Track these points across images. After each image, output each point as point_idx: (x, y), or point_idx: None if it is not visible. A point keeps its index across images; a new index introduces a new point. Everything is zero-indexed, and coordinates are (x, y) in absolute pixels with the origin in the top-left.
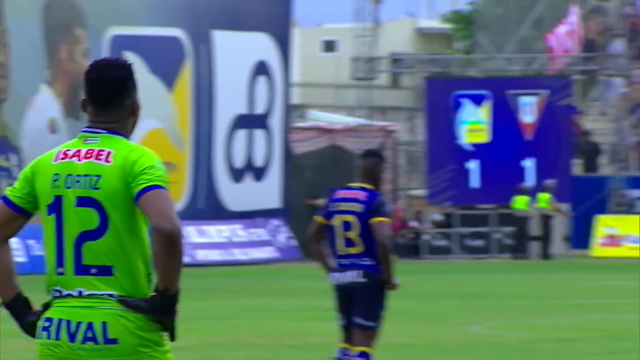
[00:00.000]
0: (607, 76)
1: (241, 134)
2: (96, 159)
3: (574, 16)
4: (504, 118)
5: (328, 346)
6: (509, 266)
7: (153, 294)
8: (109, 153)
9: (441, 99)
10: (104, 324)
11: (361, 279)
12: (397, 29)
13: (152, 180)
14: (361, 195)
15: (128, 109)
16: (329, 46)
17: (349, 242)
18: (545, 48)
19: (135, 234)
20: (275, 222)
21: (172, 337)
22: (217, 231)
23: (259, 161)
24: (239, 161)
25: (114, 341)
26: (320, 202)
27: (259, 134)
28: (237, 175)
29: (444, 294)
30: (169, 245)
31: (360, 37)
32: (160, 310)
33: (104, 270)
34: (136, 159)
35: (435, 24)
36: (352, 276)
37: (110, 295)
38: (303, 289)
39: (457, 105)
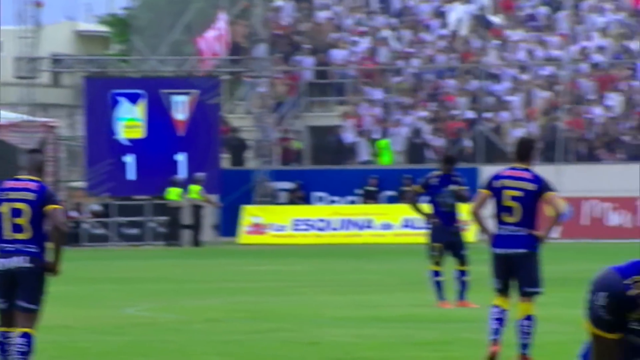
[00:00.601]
0: (251, 77)
1: None
2: None
3: (222, 22)
4: (158, 115)
5: None
6: (163, 253)
7: None
8: None
9: (99, 97)
10: None
11: (27, 265)
12: (58, 31)
13: None
14: (32, 185)
15: None
16: None
17: (18, 228)
18: (196, 51)
19: None
20: None
21: None
22: None
23: None
24: None
25: None
26: None
27: None
28: None
29: (102, 279)
30: None
31: (23, 39)
32: None
33: None
34: None
35: (93, 27)
36: (18, 262)
37: None
38: None
39: (115, 103)
